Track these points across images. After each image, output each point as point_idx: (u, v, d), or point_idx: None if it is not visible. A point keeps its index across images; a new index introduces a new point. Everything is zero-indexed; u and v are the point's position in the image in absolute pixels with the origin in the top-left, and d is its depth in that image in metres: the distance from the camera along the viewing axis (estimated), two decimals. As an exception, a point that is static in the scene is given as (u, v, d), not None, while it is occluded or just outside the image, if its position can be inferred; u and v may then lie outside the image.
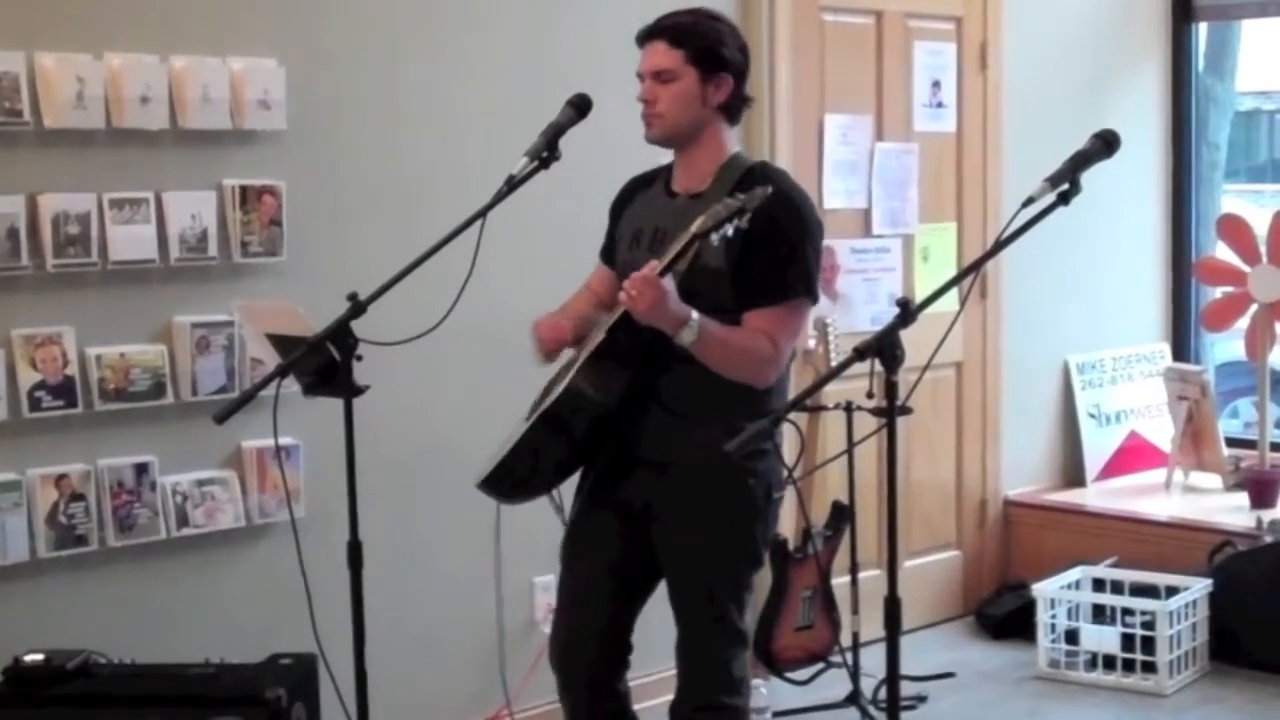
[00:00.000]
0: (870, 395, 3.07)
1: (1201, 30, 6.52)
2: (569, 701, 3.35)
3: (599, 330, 3.11)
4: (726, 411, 3.08)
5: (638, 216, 3.29)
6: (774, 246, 3.07)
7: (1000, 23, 5.63)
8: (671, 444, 3.14)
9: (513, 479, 3.18)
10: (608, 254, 3.40)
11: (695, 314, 2.96)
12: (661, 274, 2.92)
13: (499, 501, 3.26)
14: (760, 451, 3.12)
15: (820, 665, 4.75)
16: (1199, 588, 5.05)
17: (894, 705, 2.84)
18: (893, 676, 2.79)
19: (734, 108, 3.21)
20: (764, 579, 4.71)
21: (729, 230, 2.88)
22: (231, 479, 3.85)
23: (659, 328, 2.97)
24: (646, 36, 3.19)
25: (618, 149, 3.55)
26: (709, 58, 3.14)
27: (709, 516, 3.15)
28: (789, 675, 4.71)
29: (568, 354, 3.26)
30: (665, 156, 3.29)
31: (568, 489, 3.28)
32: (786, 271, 3.08)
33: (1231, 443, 6.03)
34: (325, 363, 2.97)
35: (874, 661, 4.33)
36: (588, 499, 3.28)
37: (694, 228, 2.90)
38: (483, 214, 3.05)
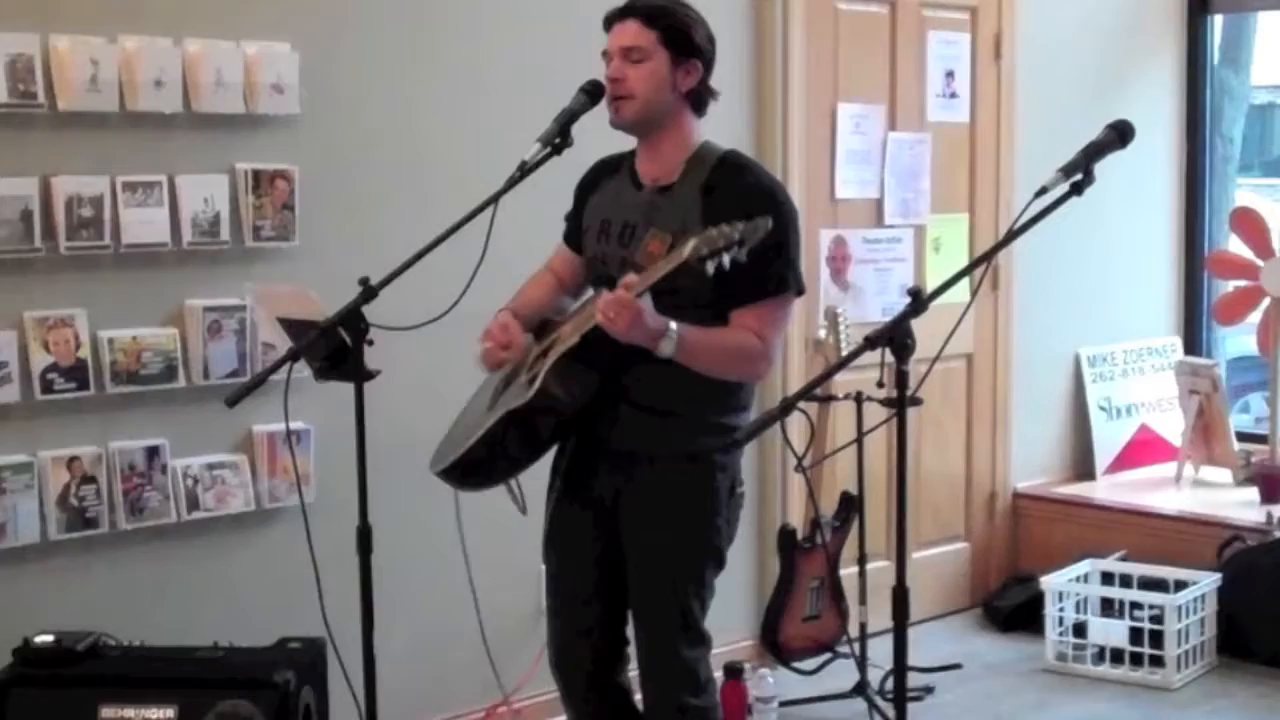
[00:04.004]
0: (880, 385, 3.07)
1: (1217, 22, 6.49)
2: (571, 703, 3.34)
3: (573, 333, 3.03)
4: (695, 406, 3.07)
5: (605, 207, 3.22)
6: (759, 244, 2.97)
7: (1014, 13, 5.62)
8: (640, 437, 3.10)
9: (473, 470, 3.13)
10: (571, 237, 3.35)
11: (673, 325, 2.90)
12: (639, 294, 2.84)
13: (455, 489, 3.23)
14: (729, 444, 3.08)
15: (827, 655, 4.75)
16: (1208, 582, 5.05)
17: (901, 696, 2.84)
18: (900, 667, 2.79)
19: (701, 98, 3.15)
20: (772, 568, 4.73)
21: (725, 261, 2.76)
22: (242, 463, 3.85)
23: (636, 344, 2.91)
24: (618, 16, 3.12)
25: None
26: (681, 41, 3.08)
27: (676, 511, 3.11)
28: (796, 665, 4.71)
29: (527, 339, 3.21)
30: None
31: (526, 476, 3.23)
32: (771, 267, 3.01)
33: (1242, 437, 6.01)
34: (337, 347, 2.97)
35: (881, 652, 4.34)
36: (561, 496, 3.24)
37: (686, 253, 2.76)
38: (495, 199, 3.04)
